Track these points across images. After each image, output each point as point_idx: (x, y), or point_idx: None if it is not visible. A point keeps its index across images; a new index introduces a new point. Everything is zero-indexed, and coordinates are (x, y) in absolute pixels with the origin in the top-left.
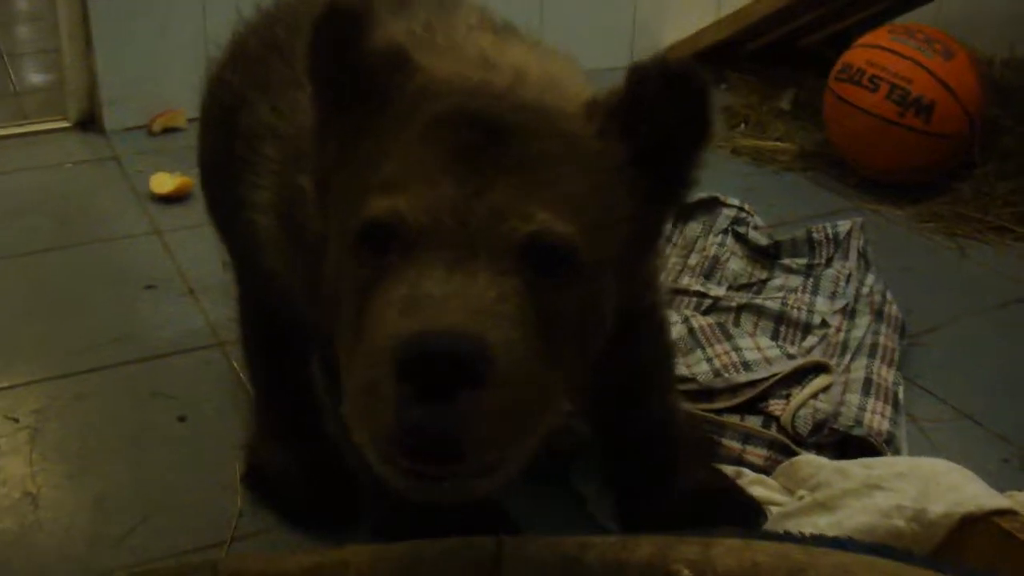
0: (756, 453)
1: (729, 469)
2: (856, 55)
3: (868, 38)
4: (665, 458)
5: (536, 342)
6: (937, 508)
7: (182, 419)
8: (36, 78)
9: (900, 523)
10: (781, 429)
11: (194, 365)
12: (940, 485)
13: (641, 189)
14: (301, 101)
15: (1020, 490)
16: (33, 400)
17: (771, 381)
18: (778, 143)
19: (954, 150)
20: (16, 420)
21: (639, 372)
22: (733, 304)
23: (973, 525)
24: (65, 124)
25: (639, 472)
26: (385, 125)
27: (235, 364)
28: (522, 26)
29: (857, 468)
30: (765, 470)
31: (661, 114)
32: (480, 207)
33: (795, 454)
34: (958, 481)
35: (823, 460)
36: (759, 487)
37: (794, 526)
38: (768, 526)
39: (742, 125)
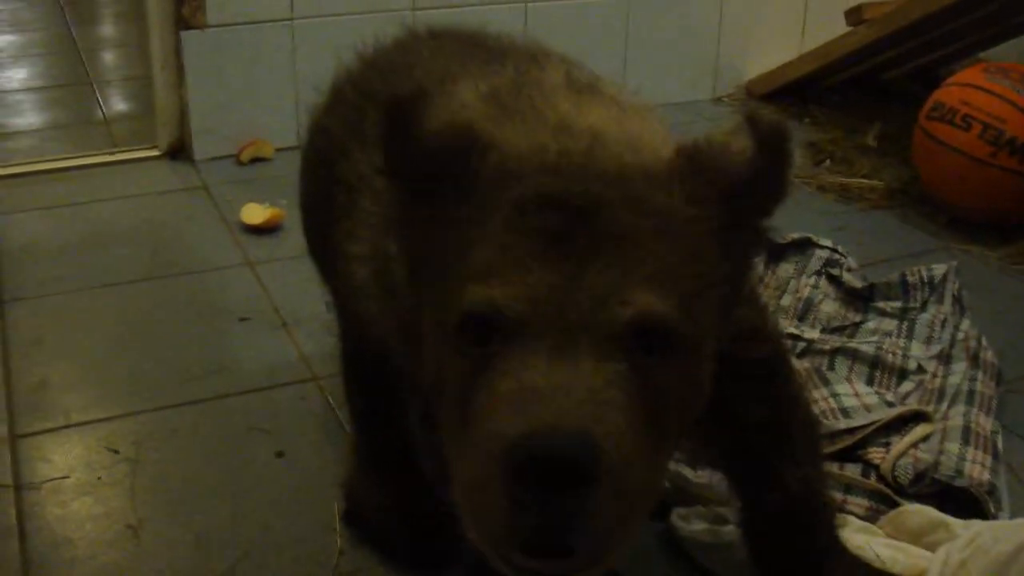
0: (857, 503)
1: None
2: (949, 94)
3: (962, 76)
4: (801, 549)
5: (643, 425)
6: None
7: (280, 455)
8: (124, 106)
9: None
10: (880, 478)
11: (289, 400)
12: None
13: (729, 248)
14: None
15: None
16: (131, 432)
17: (871, 428)
18: (864, 180)
19: None
20: (116, 452)
21: (763, 434)
22: (827, 347)
23: None
24: (155, 153)
25: (775, 560)
26: (467, 212)
27: (330, 399)
28: (607, 75)
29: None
30: (867, 520)
31: (751, 175)
32: (577, 293)
33: (895, 504)
34: None
35: (933, 512)
36: (864, 535)
37: None
38: None
39: (827, 161)
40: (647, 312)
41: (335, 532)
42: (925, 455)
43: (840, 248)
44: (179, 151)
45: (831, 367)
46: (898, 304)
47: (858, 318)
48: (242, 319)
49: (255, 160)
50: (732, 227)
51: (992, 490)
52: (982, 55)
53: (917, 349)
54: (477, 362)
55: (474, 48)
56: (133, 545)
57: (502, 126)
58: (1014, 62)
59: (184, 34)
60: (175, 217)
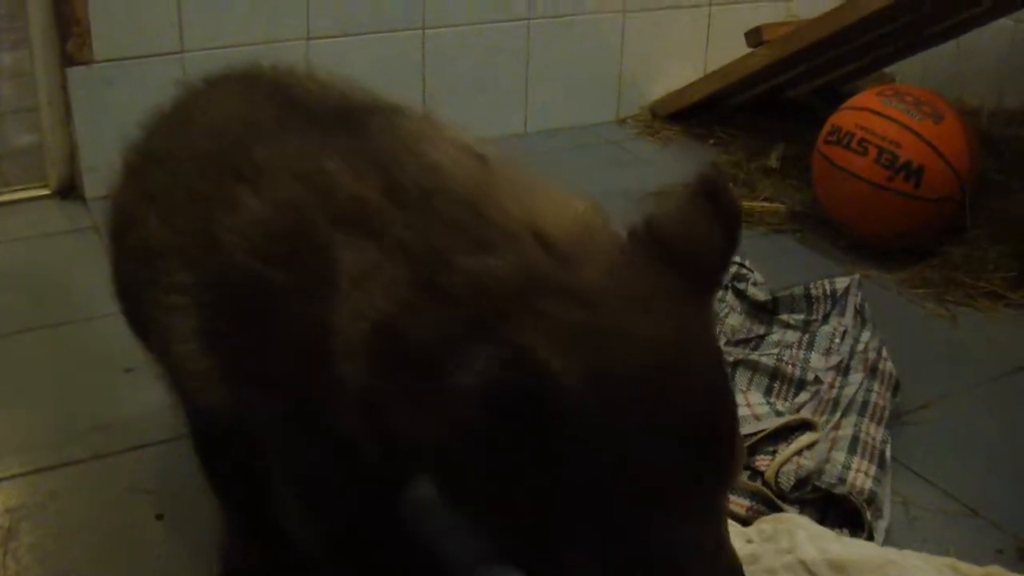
0: (738, 503)
1: None
2: (845, 117)
3: (857, 100)
4: None
5: None
6: None
7: (159, 517)
8: (21, 140)
9: None
10: (765, 484)
11: (171, 456)
12: None
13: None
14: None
15: None
16: (6, 497)
17: (758, 437)
18: (767, 203)
19: (945, 214)
20: None
21: None
22: (730, 359)
23: None
24: (46, 192)
25: None
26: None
27: None
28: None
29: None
30: (746, 519)
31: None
32: None
33: (778, 508)
34: None
35: (803, 525)
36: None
37: None
38: None
39: (731, 185)
40: None
41: None
42: (807, 462)
43: (747, 263)
44: (70, 190)
45: (732, 378)
46: (801, 316)
47: (762, 330)
48: (127, 370)
49: None
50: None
51: (872, 499)
52: (887, 70)
53: (816, 360)
54: None
55: (282, 100)
56: None
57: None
58: (910, 84)
59: (70, 70)
60: (63, 261)
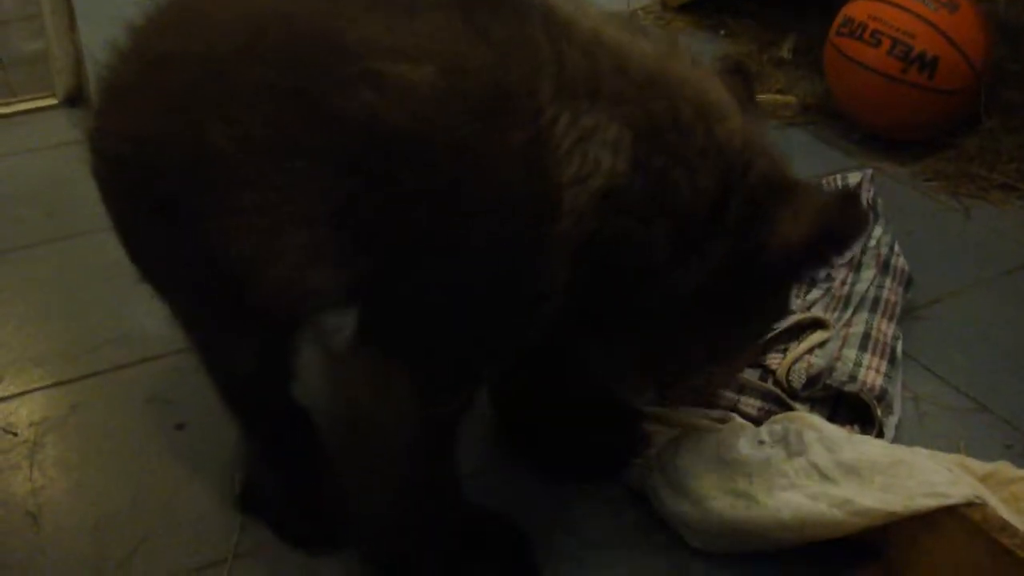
0: (750, 403)
1: (719, 414)
2: (858, 8)
3: None
4: None
5: None
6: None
7: (180, 427)
8: (25, 48)
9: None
10: (776, 382)
11: (189, 365)
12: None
13: None
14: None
15: None
16: (29, 411)
17: (768, 336)
18: (779, 96)
19: (959, 106)
20: (15, 434)
21: None
22: None
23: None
24: (53, 101)
25: None
26: None
27: None
28: None
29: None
30: (758, 419)
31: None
32: None
33: (788, 406)
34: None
35: (814, 425)
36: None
37: None
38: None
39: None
40: None
41: (236, 508)
42: (819, 360)
43: None
44: (77, 98)
45: None
46: None
47: None
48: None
49: None
50: None
51: (883, 395)
52: None
53: None
54: None
55: None
56: (33, 534)
57: None
58: None
59: None
60: (73, 171)
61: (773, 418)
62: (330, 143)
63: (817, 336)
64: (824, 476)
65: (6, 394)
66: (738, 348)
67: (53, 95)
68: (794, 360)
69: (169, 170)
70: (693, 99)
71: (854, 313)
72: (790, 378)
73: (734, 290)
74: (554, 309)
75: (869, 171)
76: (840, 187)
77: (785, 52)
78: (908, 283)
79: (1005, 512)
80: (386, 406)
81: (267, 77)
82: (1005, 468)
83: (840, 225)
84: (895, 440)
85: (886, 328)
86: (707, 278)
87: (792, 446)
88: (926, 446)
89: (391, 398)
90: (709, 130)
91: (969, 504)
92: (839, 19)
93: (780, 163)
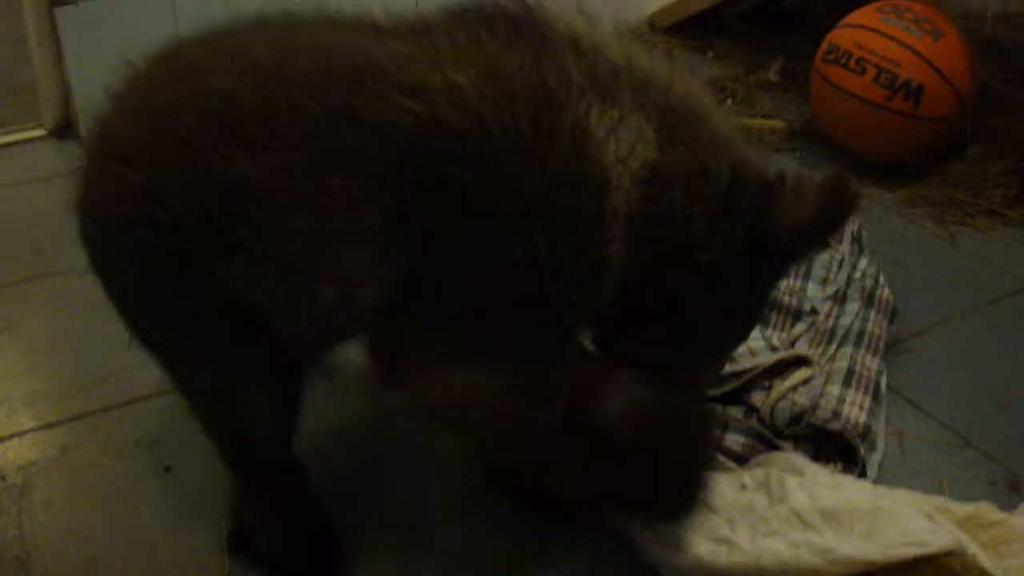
0: (735, 440)
1: None
2: (843, 36)
3: (856, 17)
4: None
5: None
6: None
7: (168, 469)
8: (13, 79)
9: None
10: (760, 420)
11: (176, 406)
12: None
13: None
14: None
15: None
16: (18, 455)
17: (753, 373)
18: (765, 120)
19: (945, 132)
20: (3, 478)
21: None
22: None
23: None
24: (41, 132)
25: None
26: None
27: None
28: None
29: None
30: (742, 456)
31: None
32: None
33: (773, 444)
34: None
35: (794, 467)
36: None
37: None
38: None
39: (729, 100)
40: None
41: (223, 552)
42: (802, 399)
43: None
44: (66, 130)
45: None
46: None
47: None
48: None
49: None
50: None
51: (866, 432)
52: None
53: (813, 290)
54: None
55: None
56: None
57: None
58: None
59: (57, 10)
60: (62, 206)
61: (755, 460)
62: (376, 156)
63: (801, 374)
64: (805, 523)
65: None
66: (738, 336)
67: (41, 126)
68: (778, 398)
69: (189, 220)
70: (694, 98)
71: (838, 347)
72: (774, 416)
73: (746, 269)
74: (612, 284)
75: None
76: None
77: (772, 75)
78: (893, 315)
79: (985, 559)
80: (514, 405)
81: (294, 100)
82: (986, 510)
83: (837, 202)
84: (878, 477)
85: (870, 363)
86: (724, 255)
87: (774, 492)
88: (909, 483)
89: (494, 404)
90: (714, 124)
91: (948, 553)
92: (824, 46)
93: (764, 155)
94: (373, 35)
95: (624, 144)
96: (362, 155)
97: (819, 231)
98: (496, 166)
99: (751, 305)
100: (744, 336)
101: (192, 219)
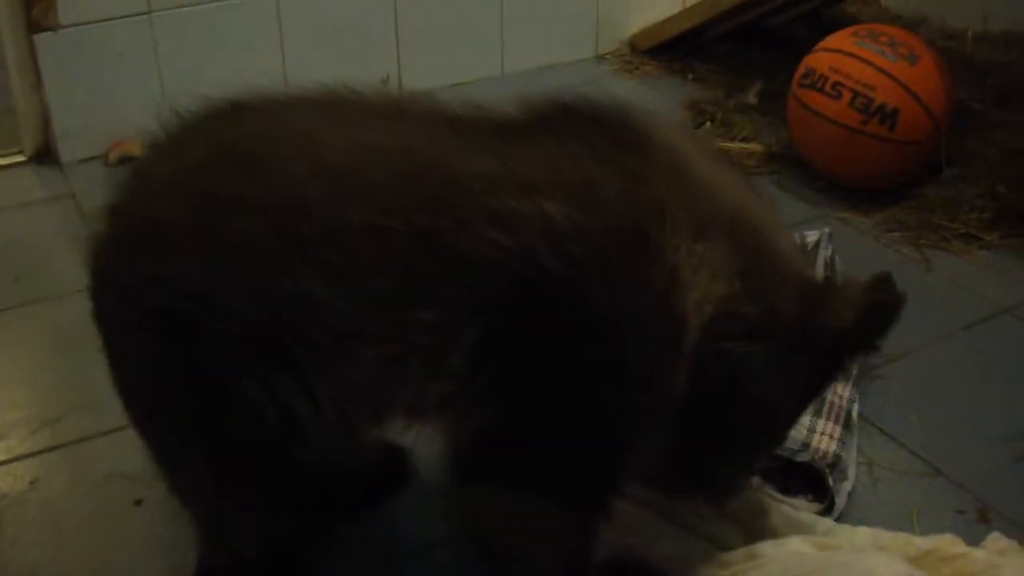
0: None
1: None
2: (819, 60)
3: (831, 41)
4: None
5: None
6: None
7: (138, 503)
8: None
9: None
10: None
11: None
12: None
13: None
14: None
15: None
16: None
17: None
18: (744, 144)
19: (920, 156)
20: None
21: None
22: None
23: None
24: (21, 158)
25: None
26: None
27: None
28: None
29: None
30: None
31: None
32: None
33: None
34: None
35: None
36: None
37: None
38: None
39: (707, 124)
40: None
41: None
42: None
43: None
44: (45, 155)
45: None
46: None
47: None
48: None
49: (124, 160)
50: None
51: (836, 462)
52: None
53: None
54: None
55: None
56: None
57: None
58: (895, 7)
59: (36, 37)
60: (40, 233)
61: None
62: (460, 288)
63: None
64: None
65: None
66: (777, 442)
67: (21, 151)
68: None
69: (234, 327)
70: (761, 218)
71: None
72: None
73: (792, 379)
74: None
75: (827, 230)
76: (803, 244)
77: (751, 98)
78: None
79: None
80: (544, 541)
81: (367, 217)
82: (948, 543)
83: (882, 304)
84: (848, 507)
85: (842, 391)
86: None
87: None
88: (878, 512)
89: (546, 532)
90: (779, 248)
91: None
92: (801, 70)
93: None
94: (451, 135)
95: (702, 284)
96: (449, 288)
97: (868, 336)
98: (581, 313)
99: (793, 413)
100: (782, 441)
101: (237, 327)
